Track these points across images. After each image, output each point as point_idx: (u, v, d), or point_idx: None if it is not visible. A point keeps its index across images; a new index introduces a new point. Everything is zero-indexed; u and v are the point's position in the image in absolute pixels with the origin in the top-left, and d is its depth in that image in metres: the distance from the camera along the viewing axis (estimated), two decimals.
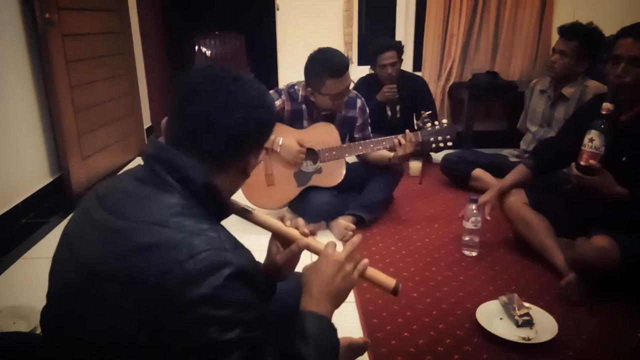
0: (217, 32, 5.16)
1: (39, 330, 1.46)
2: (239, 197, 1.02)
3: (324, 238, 2.33)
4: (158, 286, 0.75)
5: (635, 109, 1.82)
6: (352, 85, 2.48)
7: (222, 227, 0.87)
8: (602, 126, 1.74)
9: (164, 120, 0.93)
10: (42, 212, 2.67)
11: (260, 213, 1.05)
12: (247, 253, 0.90)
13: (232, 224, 1.00)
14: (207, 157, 0.87)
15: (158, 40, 4.42)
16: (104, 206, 0.86)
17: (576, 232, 1.95)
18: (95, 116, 3.14)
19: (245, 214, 1.03)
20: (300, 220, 1.08)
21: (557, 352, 1.55)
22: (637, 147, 1.79)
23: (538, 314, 1.67)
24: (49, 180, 2.82)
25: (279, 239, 1.09)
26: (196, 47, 5.07)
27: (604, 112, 1.75)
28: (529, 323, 1.62)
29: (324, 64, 2.26)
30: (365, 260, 1.01)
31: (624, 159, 1.81)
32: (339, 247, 1.00)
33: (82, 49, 2.98)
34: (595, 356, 1.55)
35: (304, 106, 2.44)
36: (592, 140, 1.75)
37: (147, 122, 4.21)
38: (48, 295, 0.91)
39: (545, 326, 1.62)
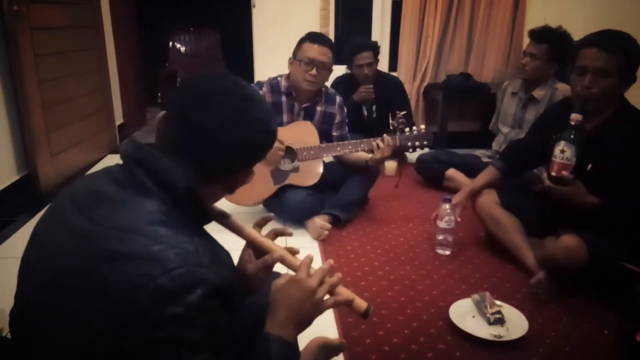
0: (192, 28, 5.09)
1: (6, 332, 1.42)
2: None
3: (300, 238, 2.35)
4: (126, 299, 0.71)
5: (600, 118, 1.84)
6: (329, 83, 2.50)
7: (202, 237, 0.84)
8: (572, 137, 1.74)
9: (160, 115, 0.92)
10: (9, 210, 2.58)
11: (236, 220, 1.02)
12: (226, 265, 0.87)
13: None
14: (196, 167, 0.85)
15: (131, 35, 4.32)
16: (78, 208, 0.82)
17: (546, 231, 2.00)
18: (65, 112, 3.06)
19: (221, 219, 1.01)
20: (279, 230, 1.06)
21: (528, 349, 1.58)
22: (602, 155, 1.81)
23: (509, 311, 1.71)
24: (16, 177, 2.73)
25: (253, 248, 1.06)
26: (170, 43, 4.99)
27: (573, 123, 1.74)
28: (500, 321, 1.65)
29: (307, 33, 2.44)
30: (339, 288, 0.98)
31: (589, 167, 1.83)
32: (315, 265, 0.95)
33: (52, 43, 2.90)
34: (563, 352, 1.59)
35: (283, 98, 2.46)
36: (563, 152, 1.75)
37: (119, 119, 4.12)
38: (16, 297, 0.88)
39: (516, 324, 1.65)
